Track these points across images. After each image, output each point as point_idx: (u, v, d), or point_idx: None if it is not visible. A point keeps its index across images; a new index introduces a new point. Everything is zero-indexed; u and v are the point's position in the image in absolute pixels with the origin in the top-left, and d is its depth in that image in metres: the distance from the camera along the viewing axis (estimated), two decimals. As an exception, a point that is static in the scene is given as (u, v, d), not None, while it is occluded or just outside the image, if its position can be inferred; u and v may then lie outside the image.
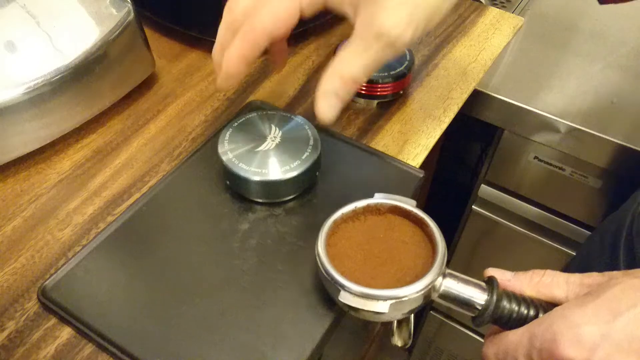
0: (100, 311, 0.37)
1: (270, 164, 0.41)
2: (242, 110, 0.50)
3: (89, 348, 0.36)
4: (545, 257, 0.79)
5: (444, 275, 0.34)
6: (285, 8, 0.34)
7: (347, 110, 0.52)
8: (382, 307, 0.32)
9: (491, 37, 0.61)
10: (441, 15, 0.35)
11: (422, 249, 0.35)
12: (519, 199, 0.76)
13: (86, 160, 0.48)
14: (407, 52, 0.52)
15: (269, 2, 0.35)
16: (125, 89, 0.51)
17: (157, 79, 0.55)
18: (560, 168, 0.68)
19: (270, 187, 0.41)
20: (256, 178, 0.40)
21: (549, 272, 0.34)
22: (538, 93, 0.64)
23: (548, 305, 0.32)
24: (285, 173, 0.40)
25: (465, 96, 0.54)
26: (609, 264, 0.52)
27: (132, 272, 0.39)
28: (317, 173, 0.43)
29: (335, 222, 0.36)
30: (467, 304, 0.34)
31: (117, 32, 0.47)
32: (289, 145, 0.42)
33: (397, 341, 0.38)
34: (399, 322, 0.38)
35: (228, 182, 0.43)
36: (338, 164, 0.45)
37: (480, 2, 0.69)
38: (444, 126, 0.51)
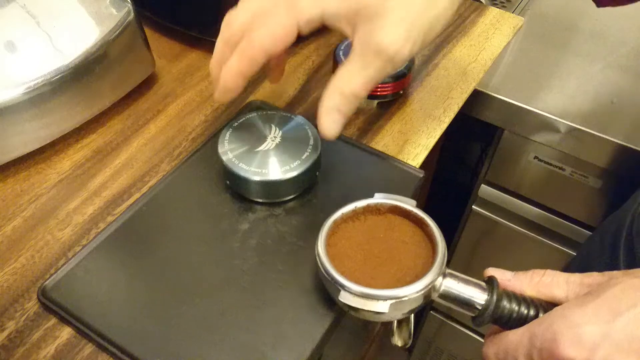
0: (100, 311, 0.37)
1: (270, 164, 0.41)
2: (242, 110, 0.50)
3: (89, 348, 0.36)
4: (545, 257, 0.79)
5: (444, 275, 0.34)
6: (282, 27, 0.35)
7: (347, 110, 0.52)
8: (382, 307, 0.32)
9: (491, 37, 0.61)
10: (438, 30, 0.36)
11: (422, 249, 0.35)
12: (519, 199, 0.76)
13: (86, 160, 0.48)
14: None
15: (266, 19, 0.35)
16: (125, 89, 0.51)
17: (157, 79, 0.55)
18: (560, 168, 0.68)
19: (270, 187, 0.41)
20: (256, 178, 0.40)
21: (549, 272, 0.34)
22: (538, 93, 0.64)
23: (548, 305, 0.32)
24: (285, 173, 0.40)
25: (465, 96, 0.54)
26: (609, 264, 0.52)
27: (132, 272, 0.39)
28: (317, 173, 0.43)
29: (335, 222, 0.36)
30: (467, 303, 0.34)
31: (117, 32, 0.47)
32: (289, 145, 0.42)
33: (397, 341, 0.38)
34: (399, 322, 0.38)
35: (228, 182, 0.43)
36: (338, 164, 0.45)
37: (481, 2, 0.69)
38: (444, 126, 0.51)
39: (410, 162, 0.47)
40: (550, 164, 0.69)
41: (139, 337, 0.35)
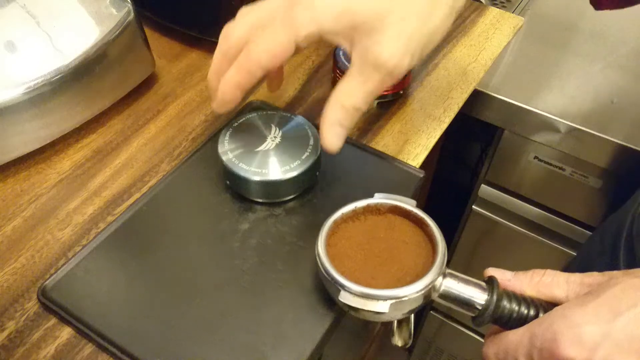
0: (100, 311, 0.37)
1: (271, 164, 0.41)
2: (242, 110, 0.50)
3: (89, 348, 0.36)
4: (545, 257, 0.79)
5: (444, 275, 0.34)
6: (280, 43, 0.35)
7: (347, 110, 0.52)
8: (382, 307, 0.32)
9: (491, 37, 0.61)
10: (436, 42, 0.36)
11: (422, 249, 0.35)
12: (519, 199, 0.76)
13: (86, 160, 0.48)
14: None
15: (264, 33, 0.35)
16: (125, 89, 0.51)
17: (157, 79, 0.55)
18: (560, 168, 0.68)
19: (270, 187, 0.41)
20: (256, 178, 0.40)
21: (549, 271, 0.34)
22: (538, 93, 0.64)
23: (548, 305, 0.32)
24: (285, 173, 0.40)
25: (465, 96, 0.54)
26: (609, 264, 0.52)
27: (132, 272, 0.39)
28: (317, 173, 0.43)
29: (335, 222, 0.36)
30: (467, 303, 0.34)
31: (117, 32, 0.47)
32: (289, 145, 0.42)
33: (398, 341, 0.38)
34: (399, 322, 0.38)
35: (228, 182, 0.43)
36: (338, 164, 0.45)
37: (481, 2, 0.69)
38: (444, 126, 0.51)
39: (410, 162, 0.47)
40: (550, 164, 0.69)
41: (139, 337, 0.35)
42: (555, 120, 0.61)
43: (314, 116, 0.51)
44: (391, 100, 0.53)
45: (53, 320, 0.37)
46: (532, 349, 0.30)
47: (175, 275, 0.38)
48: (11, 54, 0.44)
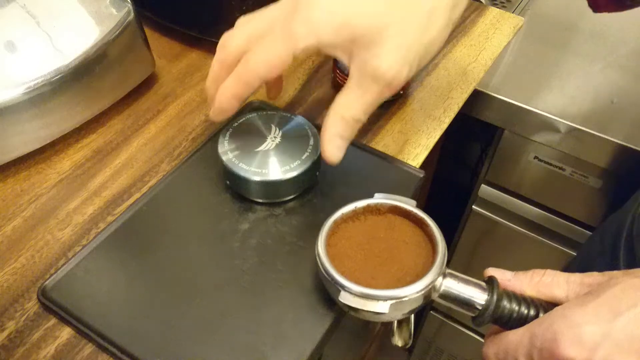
0: (100, 311, 0.37)
1: (271, 164, 0.41)
2: (242, 110, 0.50)
3: (89, 348, 0.36)
4: (545, 257, 0.79)
5: (444, 275, 0.34)
6: (278, 55, 0.35)
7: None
8: (382, 307, 0.32)
9: (491, 37, 0.61)
10: (433, 53, 0.36)
11: (423, 249, 0.35)
12: (519, 199, 0.76)
13: (86, 160, 0.48)
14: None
15: (262, 44, 0.36)
16: (125, 89, 0.51)
17: (157, 79, 0.55)
18: (560, 168, 0.68)
19: (270, 187, 0.41)
20: (256, 178, 0.40)
21: (549, 271, 0.34)
22: (538, 93, 0.64)
23: (548, 305, 0.32)
24: (285, 173, 0.40)
25: (465, 96, 0.54)
26: (609, 264, 0.52)
27: (132, 272, 0.39)
28: (317, 173, 0.43)
29: (335, 222, 0.36)
30: (467, 304, 0.34)
31: (117, 32, 0.47)
32: (289, 145, 0.42)
33: (398, 341, 0.38)
34: (400, 322, 0.38)
35: (228, 182, 0.43)
36: (338, 164, 0.45)
37: (481, 2, 0.69)
38: (444, 126, 0.51)
39: (410, 162, 0.47)
40: (550, 164, 0.69)
41: (139, 337, 0.35)
42: (555, 120, 0.61)
43: (314, 116, 0.51)
44: (391, 101, 0.53)
45: (53, 320, 0.37)
46: (532, 349, 0.30)
47: (175, 275, 0.38)
48: (11, 54, 0.44)
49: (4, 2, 0.45)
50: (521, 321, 0.32)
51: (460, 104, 0.53)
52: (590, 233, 0.72)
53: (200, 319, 0.36)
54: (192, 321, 0.36)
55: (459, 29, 0.62)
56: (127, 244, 0.40)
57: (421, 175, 0.45)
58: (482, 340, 0.38)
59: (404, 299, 0.32)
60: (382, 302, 0.32)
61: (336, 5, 0.34)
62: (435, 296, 0.34)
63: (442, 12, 0.35)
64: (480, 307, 0.33)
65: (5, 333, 0.36)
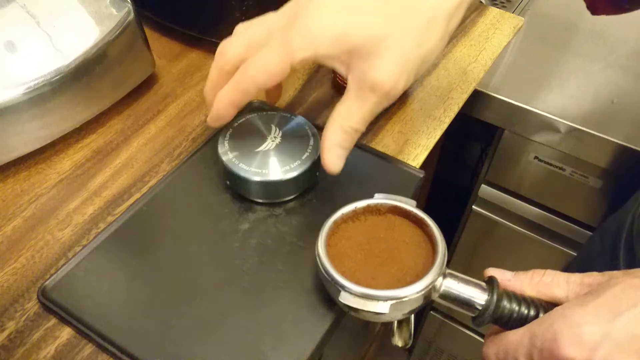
0: (100, 311, 0.37)
1: (271, 164, 0.41)
2: (242, 110, 0.50)
3: (89, 348, 0.36)
4: (545, 257, 0.79)
5: (444, 275, 0.34)
6: (275, 65, 0.35)
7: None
8: (382, 307, 0.32)
9: (491, 37, 0.61)
10: (430, 62, 0.37)
11: (423, 249, 0.35)
12: (519, 199, 0.76)
13: (86, 160, 0.48)
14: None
15: (260, 52, 0.36)
16: (125, 89, 0.51)
17: (157, 79, 0.55)
18: (560, 168, 0.68)
19: (271, 187, 0.41)
20: (256, 178, 0.40)
21: (549, 271, 0.34)
22: (538, 93, 0.64)
23: (548, 305, 0.32)
24: (286, 173, 0.40)
25: (465, 96, 0.54)
26: (609, 264, 0.52)
27: (132, 272, 0.39)
28: (317, 173, 0.43)
29: (335, 222, 0.36)
30: (467, 304, 0.34)
31: (117, 32, 0.47)
32: (289, 145, 0.42)
33: (398, 341, 0.38)
34: (400, 322, 0.38)
35: (228, 182, 0.43)
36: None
37: (481, 2, 0.69)
38: (444, 126, 0.51)
39: (410, 162, 0.47)
40: (550, 164, 0.69)
41: (139, 337, 0.35)
42: (555, 120, 0.61)
43: (314, 116, 0.51)
44: (391, 101, 0.53)
45: (53, 321, 0.37)
46: (532, 349, 0.30)
47: (175, 275, 0.38)
48: (11, 54, 0.44)
49: (4, 2, 0.45)
50: (521, 321, 0.32)
51: (460, 104, 0.53)
52: (591, 233, 0.72)
53: (200, 319, 0.36)
54: (192, 321, 0.36)
55: (459, 29, 0.62)
56: (127, 244, 0.40)
57: (421, 176, 0.45)
58: (482, 340, 0.38)
59: (404, 299, 0.32)
60: (382, 303, 0.32)
61: (335, 16, 0.34)
62: (435, 296, 0.34)
63: (440, 24, 0.36)
64: (480, 307, 0.33)
65: (5, 333, 0.36)
